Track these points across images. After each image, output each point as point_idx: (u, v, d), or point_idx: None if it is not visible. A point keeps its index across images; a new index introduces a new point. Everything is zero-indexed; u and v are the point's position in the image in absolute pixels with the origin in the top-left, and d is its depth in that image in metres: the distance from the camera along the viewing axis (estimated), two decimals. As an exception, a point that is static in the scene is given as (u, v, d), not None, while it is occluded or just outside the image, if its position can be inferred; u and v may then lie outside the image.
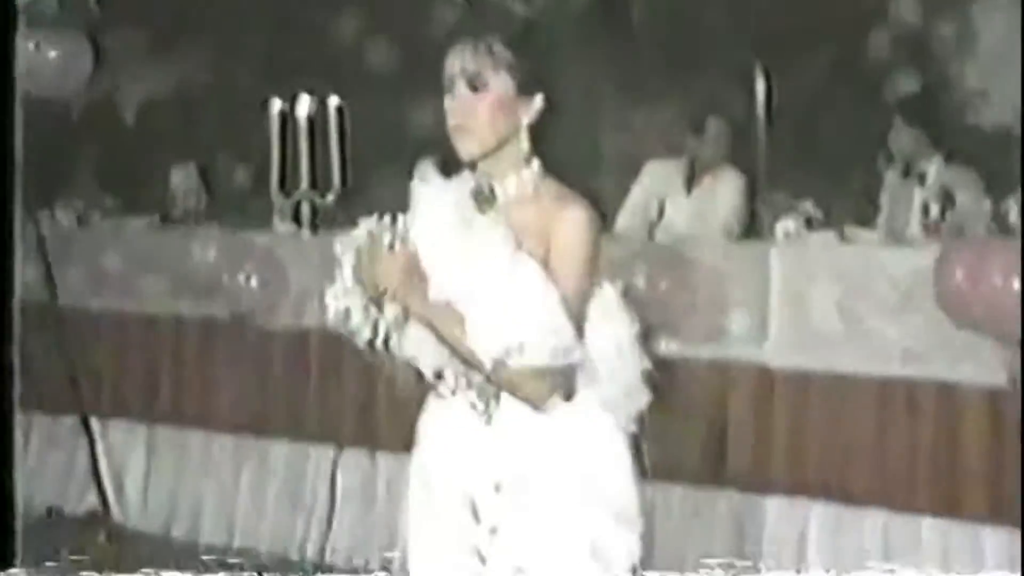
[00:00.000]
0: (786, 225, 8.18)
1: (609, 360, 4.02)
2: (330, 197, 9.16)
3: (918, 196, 8.55)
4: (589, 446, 4.02)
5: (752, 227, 9.00)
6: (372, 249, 3.96)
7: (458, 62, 3.96)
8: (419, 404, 4.21)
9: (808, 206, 8.34)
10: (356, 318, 3.96)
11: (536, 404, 3.92)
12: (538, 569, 3.99)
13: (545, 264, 3.88)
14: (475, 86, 3.94)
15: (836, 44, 10.17)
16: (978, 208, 8.10)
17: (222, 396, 9.34)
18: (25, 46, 8.16)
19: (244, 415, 9.19)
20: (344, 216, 9.06)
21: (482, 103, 3.94)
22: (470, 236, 3.92)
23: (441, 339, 3.94)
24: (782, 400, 7.51)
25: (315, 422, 8.90)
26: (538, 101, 3.98)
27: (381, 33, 11.92)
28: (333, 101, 9.27)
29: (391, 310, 3.96)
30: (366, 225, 4.00)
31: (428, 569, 4.18)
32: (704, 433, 7.57)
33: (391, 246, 3.94)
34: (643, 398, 4.07)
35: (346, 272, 3.98)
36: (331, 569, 8.27)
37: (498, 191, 3.99)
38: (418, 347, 4.00)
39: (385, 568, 8.07)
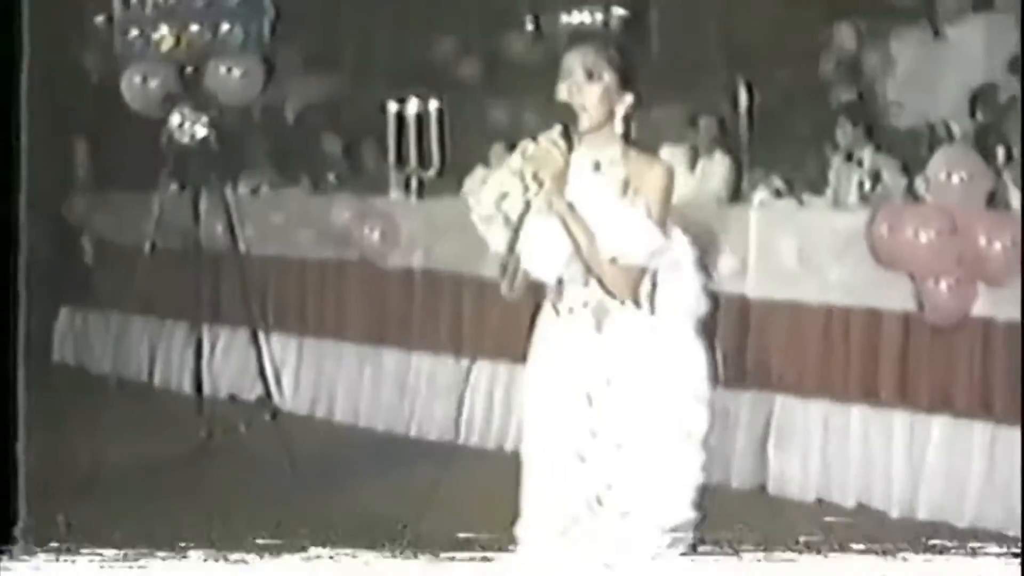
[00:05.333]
0: (761, 194, 8.28)
1: (680, 274, 3.90)
2: (431, 172, 9.32)
3: (856, 175, 8.52)
4: (675, 345, 3.89)
5: (736, 195, 8.94)
6: (540, 147, 3.66)
7: (580, 57, 3.82)
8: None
9: (776, 180, 8.42)
10: (512, 199, 3.66)
11: (621, 294, 3.82)
12: (635, 442, 3.88)
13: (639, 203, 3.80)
14: (591, 75, 3.80)
15: (797, 64, 10.01)
16: (897, 184, 8.19)
17: (351, 317, 9.35)
18: (218, 68, 8.29)
19: (366, 330, 9.21)
20: (442, 186, 9.27)
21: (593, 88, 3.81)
22: (595, 185, 3.83)
23: (569, 235, 3.75)
24: (755, 319, 7.50)
25: (418, 336, 8.86)
26: (629, 97, 3.84)
27: (469, 54, 11.76)
28: (433, 103, 9.45)
29: (541, 196, 3.65)
30: (544, 135, 3.70)
31: (547, 447, 3.98)
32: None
33: (556, 146, 3.66)
34: (705, 304, 3.94)
35: (514, 163, 3.69)
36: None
37: (601, 159, 3.84)
38: (547, 241, 3.77)
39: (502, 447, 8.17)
